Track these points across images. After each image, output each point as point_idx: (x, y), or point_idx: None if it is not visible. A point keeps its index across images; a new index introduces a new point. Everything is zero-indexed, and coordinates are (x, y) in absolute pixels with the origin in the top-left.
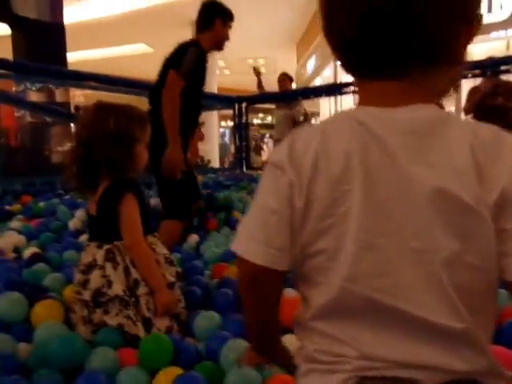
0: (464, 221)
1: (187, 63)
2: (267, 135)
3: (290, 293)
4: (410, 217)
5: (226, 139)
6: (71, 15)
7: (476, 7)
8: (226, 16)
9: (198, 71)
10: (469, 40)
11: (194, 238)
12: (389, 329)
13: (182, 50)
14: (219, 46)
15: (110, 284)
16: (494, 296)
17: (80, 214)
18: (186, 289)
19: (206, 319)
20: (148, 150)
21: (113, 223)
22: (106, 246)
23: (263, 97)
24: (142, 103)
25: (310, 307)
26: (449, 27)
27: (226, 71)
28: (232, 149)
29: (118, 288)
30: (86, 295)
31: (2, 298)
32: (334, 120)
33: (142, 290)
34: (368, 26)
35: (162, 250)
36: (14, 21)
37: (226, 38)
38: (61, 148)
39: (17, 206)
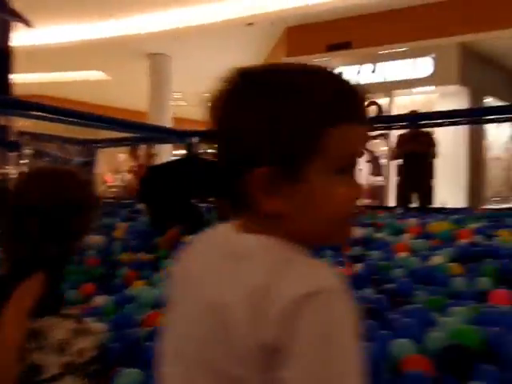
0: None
1: None
2: None
3: None
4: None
5: None
6: (29, 38)
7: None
8: None
9: None
10: (253, 186)
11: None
12: None
13: None
14: None
15: None
16: None
17: None
18: (109, 345)
19: (126, 377)
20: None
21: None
22: None
23: None
24: (97, 133)
25: None
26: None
27: (181, 102)
28: None
29: None
30: None
31: None
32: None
33: None
34: None
35: (58, 335)
36: None
37: None
38: None
39: None
